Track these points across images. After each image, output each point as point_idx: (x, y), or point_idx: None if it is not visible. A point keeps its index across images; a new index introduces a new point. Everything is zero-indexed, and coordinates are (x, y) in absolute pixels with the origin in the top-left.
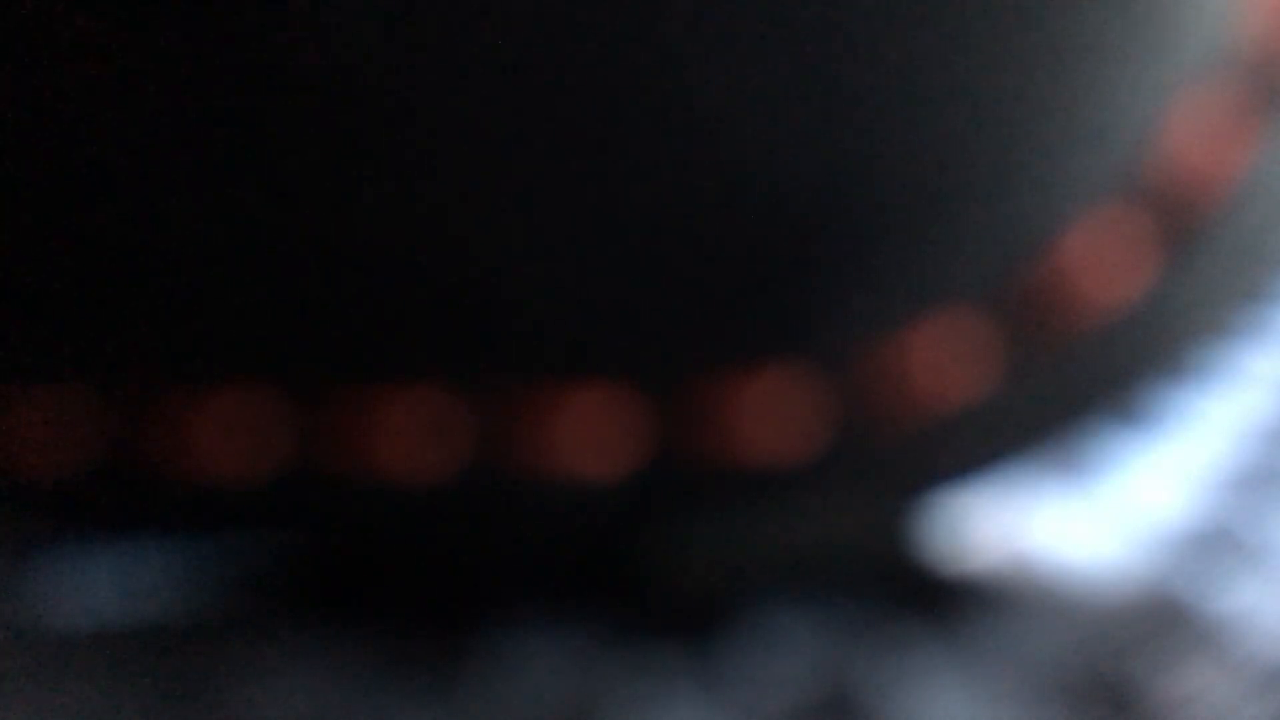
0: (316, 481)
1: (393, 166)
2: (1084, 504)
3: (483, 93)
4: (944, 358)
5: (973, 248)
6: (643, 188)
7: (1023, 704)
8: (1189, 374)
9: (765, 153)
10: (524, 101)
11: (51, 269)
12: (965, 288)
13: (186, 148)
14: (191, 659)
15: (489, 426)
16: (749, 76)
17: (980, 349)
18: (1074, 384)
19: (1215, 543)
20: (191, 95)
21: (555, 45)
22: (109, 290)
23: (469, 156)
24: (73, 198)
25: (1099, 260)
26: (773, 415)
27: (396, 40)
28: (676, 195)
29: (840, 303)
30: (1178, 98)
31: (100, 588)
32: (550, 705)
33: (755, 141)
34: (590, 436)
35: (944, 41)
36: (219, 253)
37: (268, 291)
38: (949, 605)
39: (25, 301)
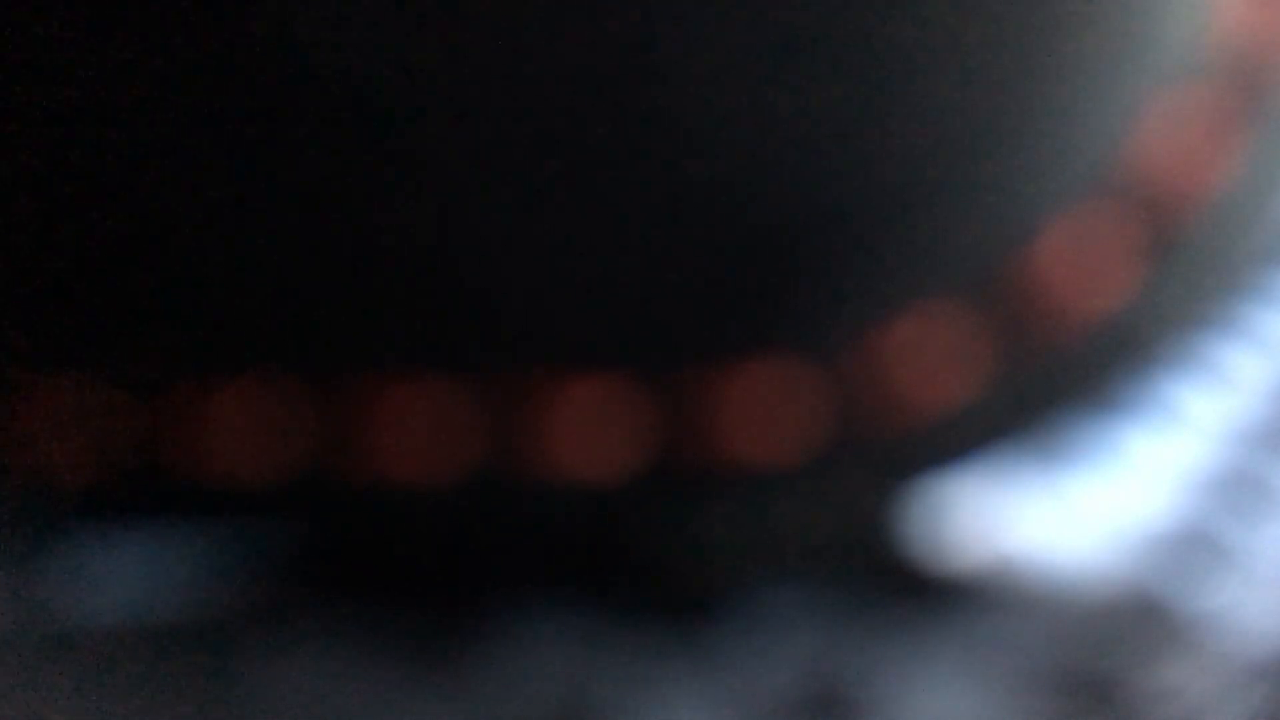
0: (327, 476)
1: (401, 172)
2: (1066, 501)
3: (489, 94)
4: (931, 354)
5: (957, 246)
6: (637, 189)
7: (1005, 696)
8: (1170, 372)
9: (758, 156)
10: (526, 103)
11: (71, 265)
12: (950, 286)
13: (203, 149)
14: (206, 650)
15: (493, 423)
16: (741, 79)
17: (966, 346)
18: (1058, 381)
19: (1194, 542)
20: (208, 95)
21: (556, 49)
22: (128, 287)
23: (475, 162)
24: (97, 196)
25: (1082, 258)
26: (764, 411)
27: (403, 43)
28: (672, 197)
29: (829, 300)
30: (1158, 98)
31: (114, 581)
32: (551, 691)
33: (749, 145)
34: (589, 432)
35: (929, 43)
36: (234, 253)
37: (284, 291)
38: (935, 599)
39: (44, 297)
